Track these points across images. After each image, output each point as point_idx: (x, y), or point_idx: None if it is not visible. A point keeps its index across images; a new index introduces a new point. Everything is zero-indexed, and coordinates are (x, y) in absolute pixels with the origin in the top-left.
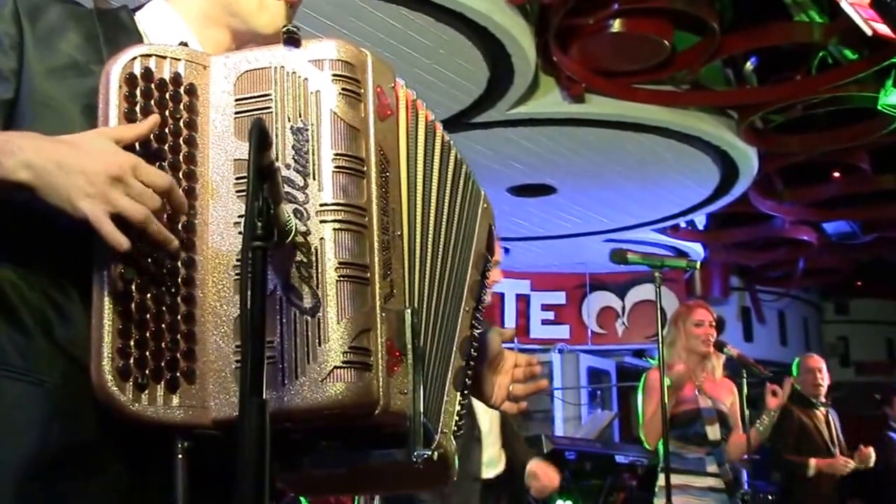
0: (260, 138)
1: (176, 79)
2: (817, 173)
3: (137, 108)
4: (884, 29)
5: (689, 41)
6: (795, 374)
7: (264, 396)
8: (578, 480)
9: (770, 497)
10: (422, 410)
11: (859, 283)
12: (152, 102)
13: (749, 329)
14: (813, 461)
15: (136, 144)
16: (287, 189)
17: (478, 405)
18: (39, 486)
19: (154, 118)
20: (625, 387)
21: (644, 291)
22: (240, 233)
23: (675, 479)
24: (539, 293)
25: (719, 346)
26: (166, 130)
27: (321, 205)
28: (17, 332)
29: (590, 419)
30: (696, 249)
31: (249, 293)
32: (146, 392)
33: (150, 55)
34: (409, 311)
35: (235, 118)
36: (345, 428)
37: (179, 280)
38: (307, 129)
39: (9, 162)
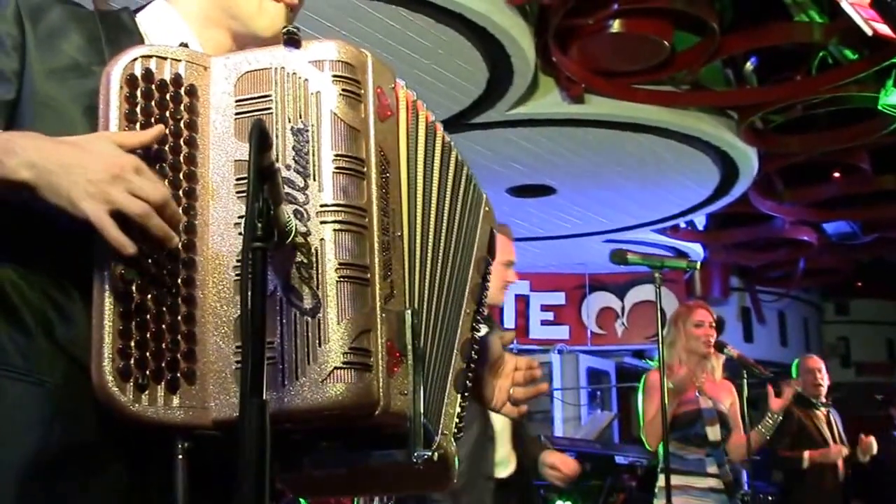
0: (260, 139)
1: (176, 80)
2: (817, 173)
3: (138, 109)
4: (884, 29)
5: (688, 41)
6: (795, 376)
7: (264, 397)
8: (578, 481)
9: (770, 498)
10: (422, 411)
11: (860, 284)
12: (153, 103)
13: (749, 329)
14: (807, 453)
15: None
16: (287, 190)
17: None
18: (40, 486)
19: (159, 128)
20: (624, 387)
21: (643, 292)
22: (240, 234)
23: (676, 480)
24: (538, 294)
25: (719, 347)
26: (167, 131)
27: (321, 205)
28: (18, 332)
29: (589, 420)
30: (695, 250)
31: (249, 294)
32: (146, 393)
33: (150, 56)
34: (409, 311)
35: (236, 119)
36: (345, 428)
37: (180, 281)
38: (307, 130)
39: (10, 161)
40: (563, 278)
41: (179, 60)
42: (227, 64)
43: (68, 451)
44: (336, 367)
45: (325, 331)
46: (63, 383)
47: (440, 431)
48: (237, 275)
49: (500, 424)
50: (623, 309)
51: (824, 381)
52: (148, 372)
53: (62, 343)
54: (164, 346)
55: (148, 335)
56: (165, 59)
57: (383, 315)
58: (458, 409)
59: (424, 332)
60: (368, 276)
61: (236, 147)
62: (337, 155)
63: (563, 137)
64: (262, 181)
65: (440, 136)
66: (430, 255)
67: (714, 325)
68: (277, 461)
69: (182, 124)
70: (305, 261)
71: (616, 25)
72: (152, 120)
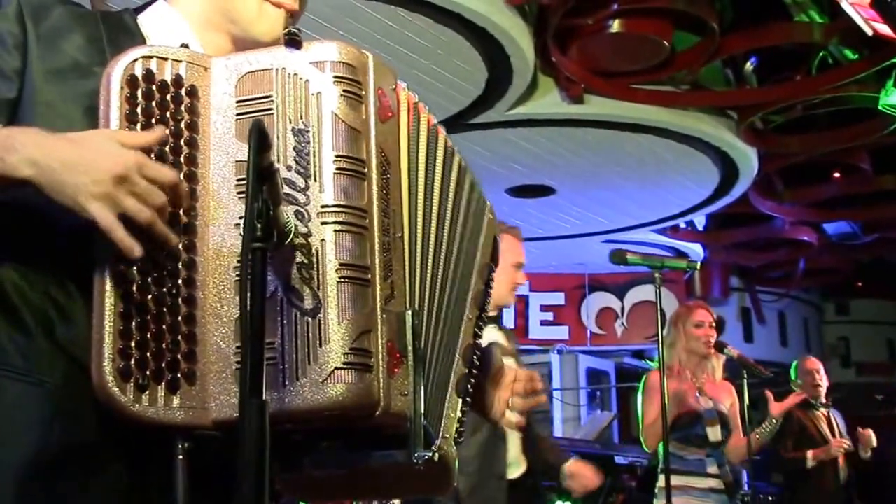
0: (259, 140)
1: (177, 80)
2: (818, 174)
3: (138, 110)
4: (884, 29)
5: (688, 41)
6: (794, 378)
7: (265, 397)
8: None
9: (770, 498)
10: (422, 412)
11: (860, 284)
12: (153, 104)
13: (749, 330)
14: (810, 453)
15: None
16: (288, 190)
17: None
18: (39, 486)
19: (161, 130)
20: (624, 388)
21: (643, 292)
22: (240, 234)
23: (676, 481)
24: (538, 294)
25: (719, 347)
26: (167, 132)
27: (322, 206)
28: (19, 332)
29: (589, 420)
30: (695, 250)
31: (249, 294)
32: (147, 393)
33: (151, 57)
34: (409, 312)
35: (236, 120)
36: (345, 429)
37: (180, 281)
38: (308, 131)
39: (11, 158)
40: (563, 278)
41: (180, 61)
42: (228, 65)
43: (68, 451)
44: (336, 368)
45: (326, 331)
46: (63, 383)
47: (441, 434)
48: (237, 275)
49: None
50: (623, 309)
51: (823, 381)
52: (148, 372)
53: (62, 343)
54: (164, 346)
55: (148, 335)
56: (166, 59)
57: (384, 316)
58: (459, 414)
59: (425, 334)
60: (369, 276)
61: (237, 148)
62: (338, 156)
63: (562, 138)
64: (261, 182)
65: (442, 139)
66: (431, 257)
67: (714, 325)
68: (277, 461)
69: (183, 125)
70: (306, 261)
71: (616, 25)
72: (153, 121)
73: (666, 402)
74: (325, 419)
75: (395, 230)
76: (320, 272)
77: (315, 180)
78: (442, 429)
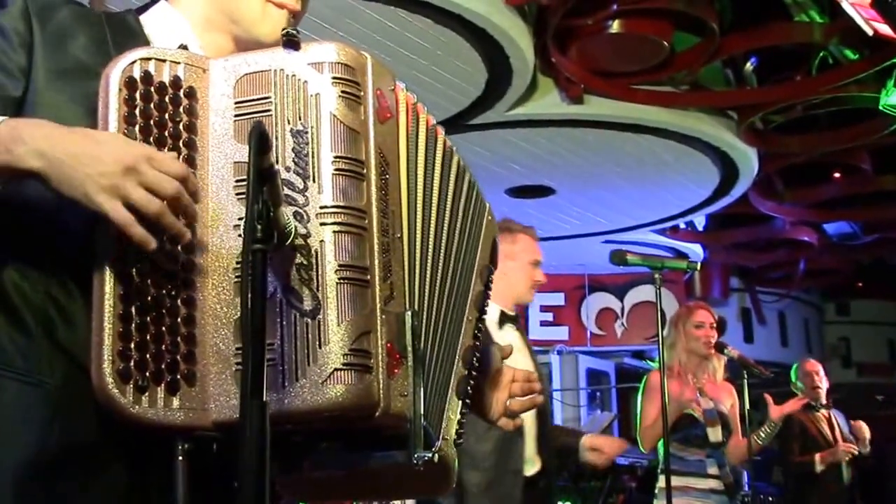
0: (260, 141)
1: (175, 82)
2: (818, 174)
3: (137, 112)
4: (885, 29)
5: (688, 42)
6: (794, 380)
7: (265, 398)
8: (578, 482)
9: (770, 499)
10: (422, 413)
11: (860, 284)
12: (152, 106)
13: (749, 330)
14: (818, 456)
15: None
16: (287, 192)
17: None
18: (39, 486)
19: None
20: (624, 388)
21: (643, 293)
22: (240, 235)
23: (676, 481)
24: (538, 294)
25: (719, 348)
26: (166, 133)
27: (321, 207)
28: (19, 332)
29: (589, 420)
30: (695, 250)
31: (249, 295)
32: (146, 394)
33: (149, 58)
34: (409, 313)
35: (235, 121)
36: (345, 430)
37: (180, 282)
38: (307, 132)
39: (19, 149)
40: (563, 279)
41: (178, 63)
42: (226, 66)
43: (68, 452)
44: (336, 369)
45: (325, 332)
46: (63, 384)
47: (441, 436)
48: (237, 276)
49: (530, 422)
50: (623, 310)
51: (822, 383)
52: (148, 374)
53: (63, 344)
54: (164, 347)
55: (148, 337)
56: (164, 61)
57: (383, 317)
58: (459, 416)
59: (425, 335)
60: (368, 277)
61: (236, 149)
62: (336, 157)
63: (562, 138)
64: (261, 183)
65: (441, 140)
66: (430, 258)
67: (715, 325)
68: (277, 462)
69: (181, 126)
70: (305, 262)
71: (615, 26)
72: (151, 122)
73: (666, 402)
74: (324, 420)
75: (395, 231)
76: (320, 273)
77: (314, 181)
78: (442, 430)
